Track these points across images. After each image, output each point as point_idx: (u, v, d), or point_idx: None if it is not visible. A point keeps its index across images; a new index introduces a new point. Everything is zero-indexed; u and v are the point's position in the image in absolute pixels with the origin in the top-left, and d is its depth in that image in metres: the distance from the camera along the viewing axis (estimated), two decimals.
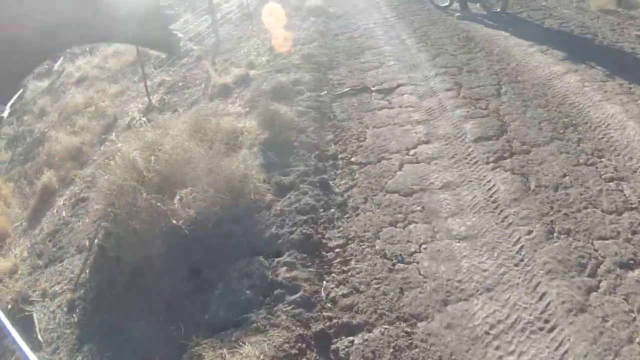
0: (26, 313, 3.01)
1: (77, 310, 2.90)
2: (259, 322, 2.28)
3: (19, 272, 3.44)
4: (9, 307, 3.04)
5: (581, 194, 2.83)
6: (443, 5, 7.38)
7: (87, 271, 3.15)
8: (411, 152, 3.50)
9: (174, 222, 2.72)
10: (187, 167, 3.23)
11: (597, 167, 3.07)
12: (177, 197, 2.94)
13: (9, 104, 6.69)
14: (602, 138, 3.39)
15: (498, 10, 6.54)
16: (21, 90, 7.55)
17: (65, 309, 2.95)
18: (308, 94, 4.74)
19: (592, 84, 4.19)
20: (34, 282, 3.27)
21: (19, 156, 5.36)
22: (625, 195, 2.81)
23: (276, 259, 2.69)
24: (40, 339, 2.80)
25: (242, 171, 3.24)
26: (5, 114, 7.07)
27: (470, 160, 3.31)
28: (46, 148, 4.85)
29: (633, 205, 2.71)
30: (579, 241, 2.47)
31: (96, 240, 3.35)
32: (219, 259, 2.87)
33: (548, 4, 6.78)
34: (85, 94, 6.28)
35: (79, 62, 8.41)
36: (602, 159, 3.15)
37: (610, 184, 2.91)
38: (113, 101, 5.97)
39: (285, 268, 2.58)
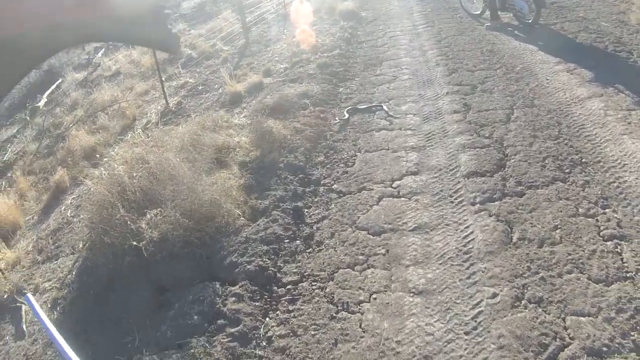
0: (18, 304, 3.28)
1: (58, 309, 3.09)
2: (197, 348, 2.34)
3: (21, 264, 3.72)
4: (5, 297, 3.32)
5: (569, 254, 2.48)
6: (475, 13, 6.97)
7: (74, 273, 3.36)
8: (395, 184, 3.30)
9: (134, 243, 2.85)
10: (169, 185, 3.33)
11: (597, 220, 2.69)
12: (148, 216, 3.06)
13: (46, 94, 7.24)
14: (613, 182, 2.98)
15: (530, 21, 6.02)
16: (60, 80, 8.14)
17: (49, 306, 3.14)
18: (311, 108, 4.66)
19: (616, 113, 3.71)
20: (30, 276, 3.51)
21: (44, 149, 5.78)
22: (622, 259, 2.41)
23: (230, 288, 2.71)
24: (25, 329, 3.04)
25: (218, 193, 3.30)
26: (41, 103, 7.68)
27: (455, 199, 3.06)
28: (66, 145, 5.22)
29: (628, 274, 2.31)
30: (549, 314, 2.17)
31: (81, 245, 3.61)
32: (182, 280, 2.92)
33: (586, 15, 6.11)
34: (113, 91, 6.64)
35: (119, 55, 8.90)
36: (607, 210, 2.75)
37: (608, 243, 2.51)
38: (137, 100, 6.26)
39: (233, 299, 2.56)
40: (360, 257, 2.72)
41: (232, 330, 2.40)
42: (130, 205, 3.18)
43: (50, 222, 4.18)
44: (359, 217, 3.04)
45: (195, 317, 2.57)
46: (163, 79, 6.99)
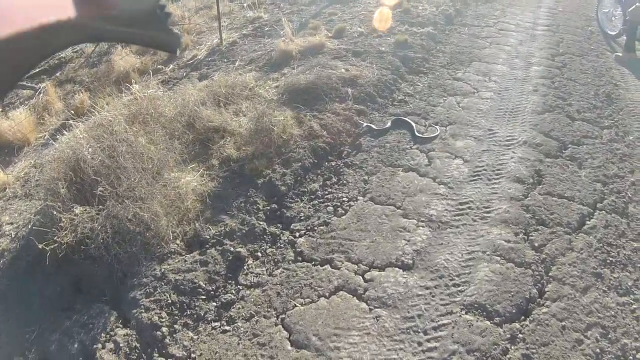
0: None
1: (0, 262, 3.05)
2: None
3: (6, 191, 3.69)
4: None
5: None
6: (610, 33, 5.32)
7: (29, 226, 3.24)
8: (368, 275, 2.30)
9: (40, 246, 2.54)
10: (114, 175, 2.89)
11: None
12: (76, 210, 2.71)
13: None
14: None
15: None
16: None
17: None
18: (349, 103, 3.64)
19: None
20: (3, 211, 3.25)
21: (95, 56, 5.48)
22: None
23: (119, 329, 2.19)
24: None
25: (165, 202, 2.78)
26: None
27: (429, 340, 2.00)
28: (108, 62, 5.00)
29: None
30: None
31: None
32: (94, 289, 2.60)
33: None
34: (182, 10, 6.12)
35: None
36: None
37: None
38: (204, 25, 5.71)
39: (112, 346, 2.13)
40: None
41: None
42: (75, 186, 2.85)
43: (52, 149, 4.10)
44: (294, 307, 2.21)
45: (76, 345, 2.20)
46: (246, 4, 6.30)
